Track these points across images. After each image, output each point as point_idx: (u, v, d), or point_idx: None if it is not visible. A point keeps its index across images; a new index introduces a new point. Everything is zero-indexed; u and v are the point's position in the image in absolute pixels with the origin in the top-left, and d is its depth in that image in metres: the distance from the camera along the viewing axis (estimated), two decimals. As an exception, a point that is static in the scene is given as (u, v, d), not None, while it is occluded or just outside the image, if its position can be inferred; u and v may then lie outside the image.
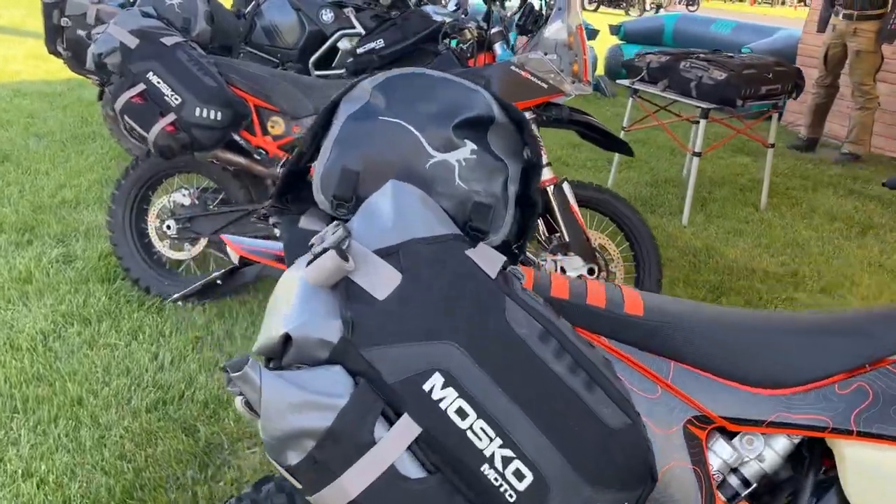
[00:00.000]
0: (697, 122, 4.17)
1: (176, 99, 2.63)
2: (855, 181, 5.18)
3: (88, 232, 3.58)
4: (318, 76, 4.08)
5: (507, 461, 0.81)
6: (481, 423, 0.81)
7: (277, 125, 2.88)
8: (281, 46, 4.16)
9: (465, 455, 0.81)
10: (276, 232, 2.90)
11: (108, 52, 2.69)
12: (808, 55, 6.52)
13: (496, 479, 0.81)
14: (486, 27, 2.80)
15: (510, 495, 0.81)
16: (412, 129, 0.97)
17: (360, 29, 3.99)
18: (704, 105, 3.96)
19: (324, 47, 4.03)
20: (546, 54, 2.65)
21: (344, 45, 4.03)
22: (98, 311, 2.86)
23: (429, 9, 3.05)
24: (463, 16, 3.11)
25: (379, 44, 2.77)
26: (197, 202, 2.99)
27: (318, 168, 0.99)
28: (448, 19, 2.82)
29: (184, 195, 2.99)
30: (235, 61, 2.93)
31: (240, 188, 2.98)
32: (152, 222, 3.09)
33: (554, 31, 2.67)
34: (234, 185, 2.98)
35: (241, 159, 2.88)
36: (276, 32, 4.13)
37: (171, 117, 2.63)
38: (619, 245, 2.86)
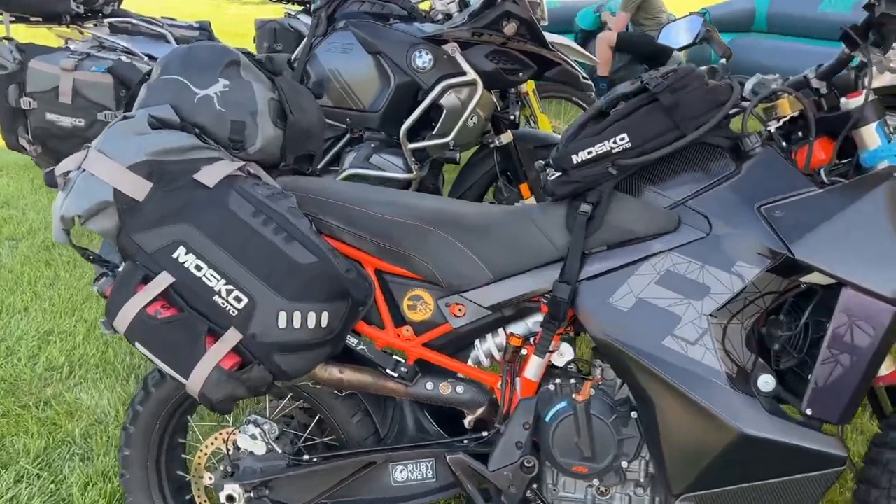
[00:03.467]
0: None
1: (237, 300, 1.30)
2: None
3: (88, 436, 2.22)
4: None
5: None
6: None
7: (422, 304, 1.53)
8: (351, 108, 2.78)
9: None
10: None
11: (93, 212, 1.35)
12: None
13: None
14: (823, 88, 1.42)
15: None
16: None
17: (472, 75, 2.61)
18: None
19: (420, 108, 2.65)
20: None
21: (451, 100, 2.65)
22: None
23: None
24: (722, 60, 1.73)
25: (619, 141, 1.40)
26: (278, 445, 1.63)
27: None
28: (771, 87, 1.44)
29: (254, 434, 1.64)
30: (333, 185, 1.57)
31: (355, 415, 1.62)
32: (198, 479, 1.74)
33: None
34: (343, 410, 1.62)
35: (359, 377, 1.53)
36: (343, 87, 2.76)
37: (231, 339, 1.31)
38: None
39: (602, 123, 1.41)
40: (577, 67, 2.90)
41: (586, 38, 7.01)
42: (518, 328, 1.54)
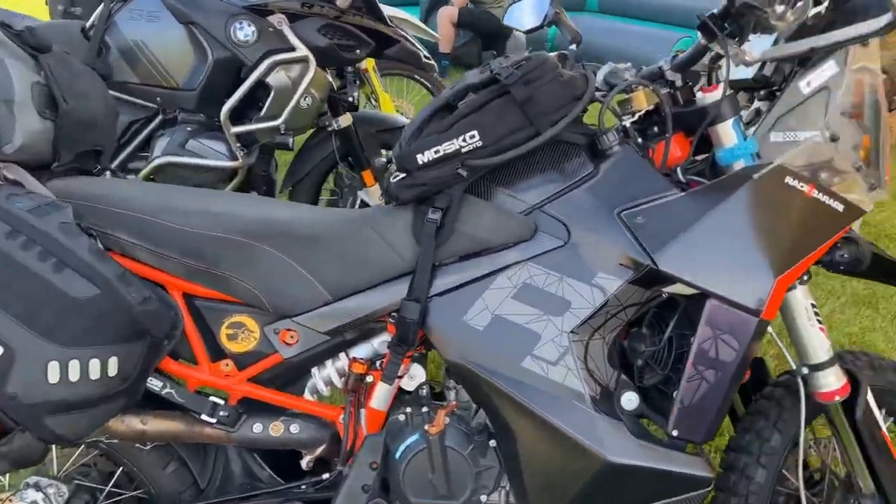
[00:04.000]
0: None
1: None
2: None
3: None
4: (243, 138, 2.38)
5: None
6: None
7: (244, 333, 1.28)
8: (160, 85, 2.40)
9: None
10: None
11: None
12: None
13: None
14: (678, 80, 1.33)
15: None
16: None
17: (303, 51, 2.33)
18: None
19: (243, 87, 2.33)
20: (815, 134, 1.25)
21: (280, 79, 2.35)
22: None
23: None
24: (572, 46, 1.60)
25: (469, 139, 1.21)
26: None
27: None
28: (625, 78, 1.32)
29: (35, 502, 1.31)
30: (124, 189, 1.27)
31: (167, 465, 1.35)
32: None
33: (823, 79, 1.26)
34: (152, 462, 1.34)
35: (166, 426, 1.26)
36: (150, 62, 2.37)
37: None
38: None
39: (449, 118, 1.23)
40: (418, 45, 2.70)
41: (430, 12, 6.85)
42: (362, 351, 1.34)
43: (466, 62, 6.45)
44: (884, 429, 1.39)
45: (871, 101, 1.30)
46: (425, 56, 2.70)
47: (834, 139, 1.25)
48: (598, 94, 1.36)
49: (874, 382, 1.45)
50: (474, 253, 1.25)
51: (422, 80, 4.01)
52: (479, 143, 1.21)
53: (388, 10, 2.87)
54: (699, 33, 1.24)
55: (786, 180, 1.20)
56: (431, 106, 1.29)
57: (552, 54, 1.56)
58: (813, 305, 1.34)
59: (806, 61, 1.28)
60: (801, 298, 1.33)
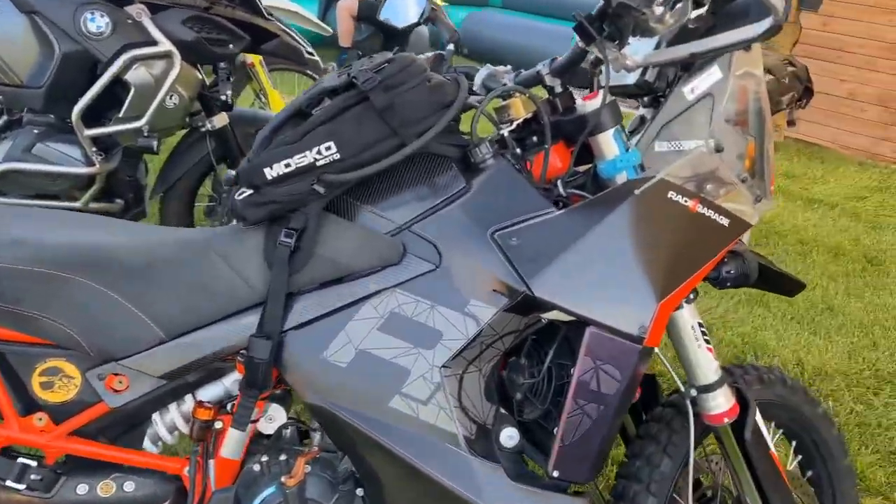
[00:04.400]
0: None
1: None
2: (805, 180, 4.38)
3: None
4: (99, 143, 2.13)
5: None
6: None
7: (62, 381, 1.08)
8: (1, 83, 2.12)
9: None
10: None
11: None
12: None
13: None
14: (557, 86, 1.22)
15: None
16: None
17: (166, 45, 2.11)
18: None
19: (97, 85, 2.08)
20: (700, 143, 1.19)
21: (140, 75, 2.12)
22: None
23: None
24: (450, 46, 1.47)
25: (325, 151, 1.05)
26: None
27: None
28: (503, 83, 1.20)
29: None
30: None
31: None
32: None
33: (707, 85, 1.20)
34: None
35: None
36: (-14, 55, 2.09)
37: None
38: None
39: (302, 127, 1.08)
40: (299, 39, 2.52)
41: (330, 5, 6.62)
42: (210, 392, 1.17)
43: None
44: (772, 449, 1.34)
45: (756, 108, 1.24)
46: (308, 51, 2.52)
47: (718, 149, 1.18)
48: (475, 99, 1.24)
49: (763, 397, 1.41)
50: (335, 279, 1.11)
51: (313, 75, 3.80)
52: (337, 156, 1.06)
53: (274, 1, 2.68)
54: (576, 35, 1.14)
55: (669, 195, 1.11)
56: (283, 113, 1.13)
57: (426, 55, 1.43)
58: (700, 325, 1.27)
59: (690, 66, 1.20)
60: (687, 318, 1.25)
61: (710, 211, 1.15)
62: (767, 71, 2.82)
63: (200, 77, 2.30)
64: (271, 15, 2.49)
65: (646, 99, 1.29)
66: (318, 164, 1.06)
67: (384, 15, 1.62)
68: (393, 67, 1.09)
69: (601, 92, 1.15)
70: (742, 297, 3.01)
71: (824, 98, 4.98)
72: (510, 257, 1.06)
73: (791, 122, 4.28)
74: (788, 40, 4.49)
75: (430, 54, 1.46)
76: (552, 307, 1.06)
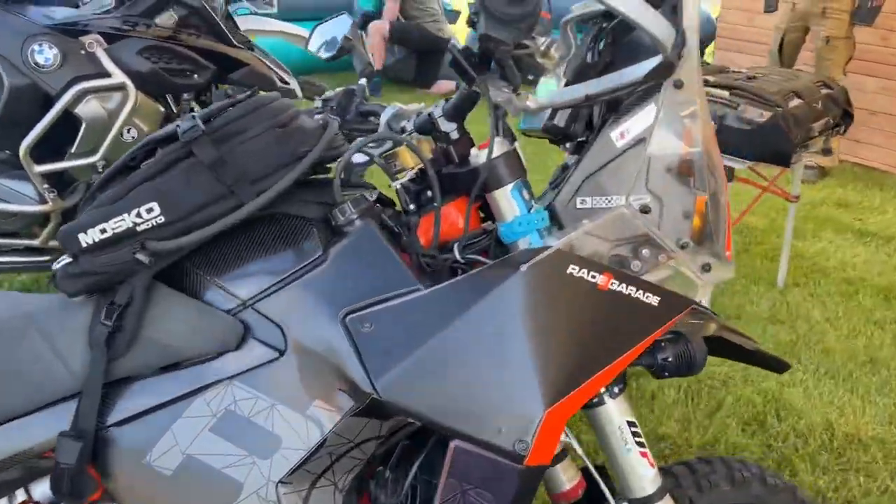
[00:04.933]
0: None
1: None
2: (859, 209, 3.96)
3: None
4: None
5: None
6: None
7: None
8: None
9: None
10: None
11: None
12: (731, 37, 5.29)
13: None
14: (454, 132, 1.01)
15: None
16: None
17: (119, 77, 2.00)
18: (737, 164, 2.43)
19: (45, 120, 1.99)
20: (619, 200, 0.95)
21: (91, 109, 2.01)
22: None
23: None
24: (362, 80, 1.28)
25: (146, 214, 0.88)
26: None
27: None
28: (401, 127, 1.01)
29: None
30: None
31: None
32: None
33: (641, 128, 0.96)
34: None
35: None
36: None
37: None
38: None
39: (123, 185, 0.91)
40: (274, 67, 2.38)
41: (362, 28, 6.54)
42: (41, 489, 1.00)
43: (402, 79, 6.16)
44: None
45: (708, 152, 1.01)
46: (282, 80, 2.37)
47: (645, 210, 0.94)
48: (371, 146, 1.05)
49: (733, 501, 1.15)
50: (164, 367, 0.93)
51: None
52: (161, 219, 0.89)
53: (257, 24, 2.56)
54: (459, 75, 0.93)
55: (568, 270, 0.88)
56: (112, 168, 0.97)
57: (337, 90, 1.26)
58: (631, 423, 1.03)
59: (617, 106, 0.98)
60: (614, 417, 1.02)
61: (630, 288, 0.92)
62: (796, 94, 2.52)
63: (162, 110, 2.18)
64: (249, 43, 2.37)
65: (568, 145, 1.06)
66: (140, 228, 0.89)
67: (310, 47, 1.45)
68: (233, 112, 0.91)
69: (491, 141, 0.94)
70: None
71: (885, 118, 4.55)
72: (359, 348, 0.86)
73: (827, 151, 3.90)
74: (841, 57, 4.13)
75: (339, 89, 1.27)
76: (406, 414, 0.85)
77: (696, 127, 0.98)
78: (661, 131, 0.95)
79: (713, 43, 5.50)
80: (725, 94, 2.47)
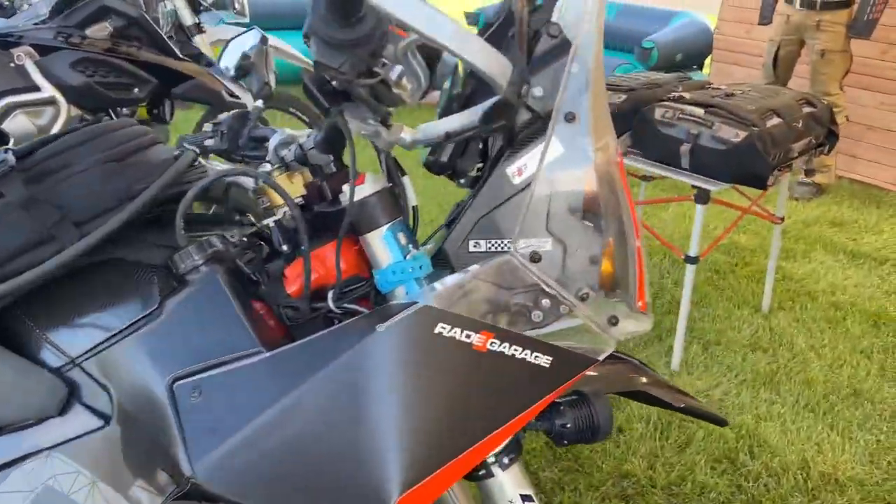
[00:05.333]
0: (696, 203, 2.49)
1: None
2: (854, 229, 3.82)
3: None
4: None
5: None
6: None
7: None
8: None
9: None
10: None
11: None
12: (728, 49, 5.15)
13: None
14: (329, 166, 0.89)
15: None
16: None
17: (48, 91, 1.90)
18: (711, 186, 2.30)
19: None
20: (505, 245, 0.83)
21: (19, 124, 1.91)
22: None
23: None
24: (258, 102, 1.17)
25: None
26: None
27: None
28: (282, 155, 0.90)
29: None
30: None
31: None
32: None
33: (537, 165, 0.84)
34: None
35: None
36: None
37: None
38: None
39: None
40: (222, 80, 2.27)
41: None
42: None
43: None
44: None
45: (614, 191, 0.89)
46: (230, 93, 2.27)
47: (534, 259, 0.82)
48: (244, 178, 0.94)
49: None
50: None
51: (297, 112, 3.57)
52: None
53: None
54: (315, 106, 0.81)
55: (437, 329, 0.76)
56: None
57: (230, 113, 1.15)
58: (526, 497, 0.90)
59: (513, 139, 0.86)
60: (506, 490, 0.89)
61: (514, 348, 0.80)
62: (775, 113, 2.39)
63: (100, 124, 2.08)
64: (200, 56, 2.26)
65: (461, 180, 0.94)
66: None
67: (224, 63, 1.33)
68: (56, 145, 0.80)
69: (365, 176, 0.82)
70: (748, 377, 2.54)
71: (884, 134, 4.40)
72: (182, 421, 0.74)
73: (809, 172, 3.76)
74: (838, 71, 3.98)
75: (233, 112, 1.16)
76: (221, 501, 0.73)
77: (603, 160, 0.86)
78: (560, 167, 0.84)
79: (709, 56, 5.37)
80: (700, 112, 2.34)
